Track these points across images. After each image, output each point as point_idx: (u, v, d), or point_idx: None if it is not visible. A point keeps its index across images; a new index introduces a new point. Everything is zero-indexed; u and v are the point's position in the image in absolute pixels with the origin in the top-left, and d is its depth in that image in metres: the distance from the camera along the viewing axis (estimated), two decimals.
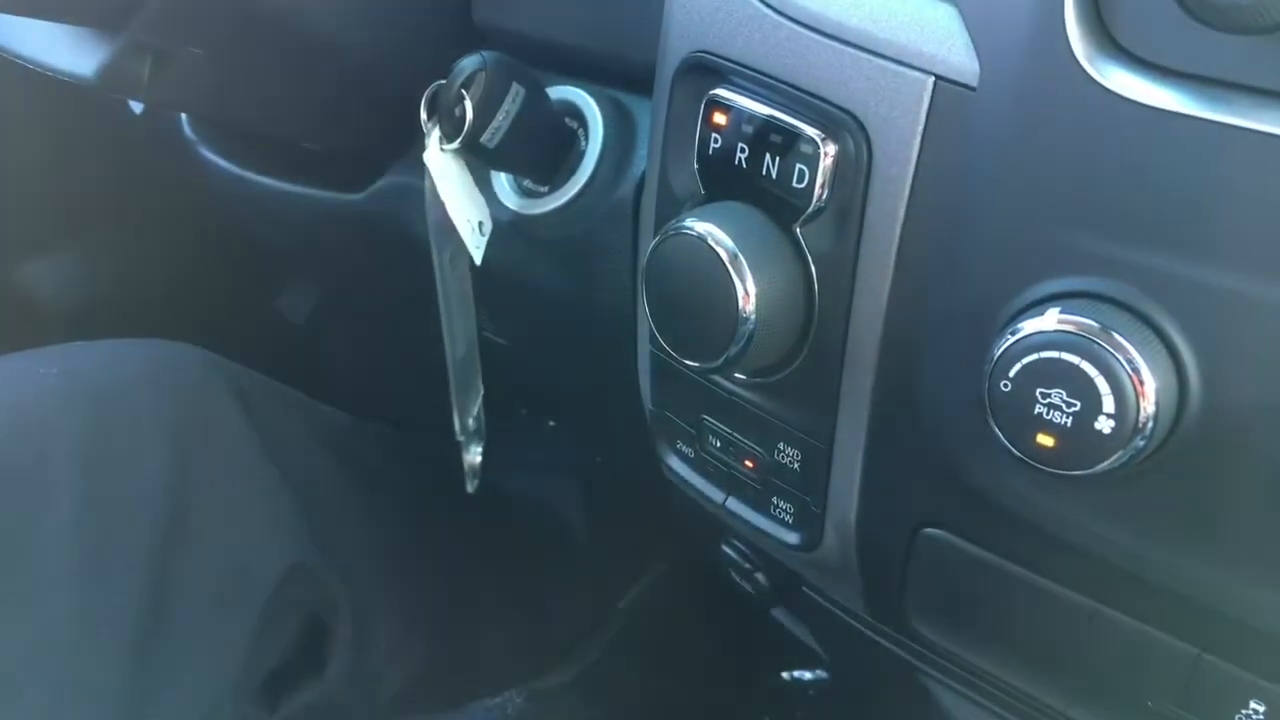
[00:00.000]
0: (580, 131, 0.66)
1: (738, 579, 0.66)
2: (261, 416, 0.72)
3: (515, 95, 0.60)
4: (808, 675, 0.96)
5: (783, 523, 0.54)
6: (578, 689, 1.02)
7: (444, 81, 0.59)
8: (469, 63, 0.59)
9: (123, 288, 0.96)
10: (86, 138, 0.90)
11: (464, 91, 0.58)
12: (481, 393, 0.73)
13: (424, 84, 0.60)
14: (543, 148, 0.65)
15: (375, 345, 1.06)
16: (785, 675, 0.99)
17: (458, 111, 0.59)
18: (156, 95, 0.67)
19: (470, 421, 0.75)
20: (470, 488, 0.77)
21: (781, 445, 0.52)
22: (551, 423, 1.09)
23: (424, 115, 0.60)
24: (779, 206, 0.48)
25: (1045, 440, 0.39)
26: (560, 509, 1.08)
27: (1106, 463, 0.38)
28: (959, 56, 0.42)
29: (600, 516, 1.07)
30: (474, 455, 0.77)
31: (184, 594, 0.64)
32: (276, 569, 0.69)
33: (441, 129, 0.60)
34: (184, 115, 0.85)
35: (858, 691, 0.76)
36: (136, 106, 0.90)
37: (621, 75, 0.64)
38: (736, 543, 0.65)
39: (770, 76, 0.48)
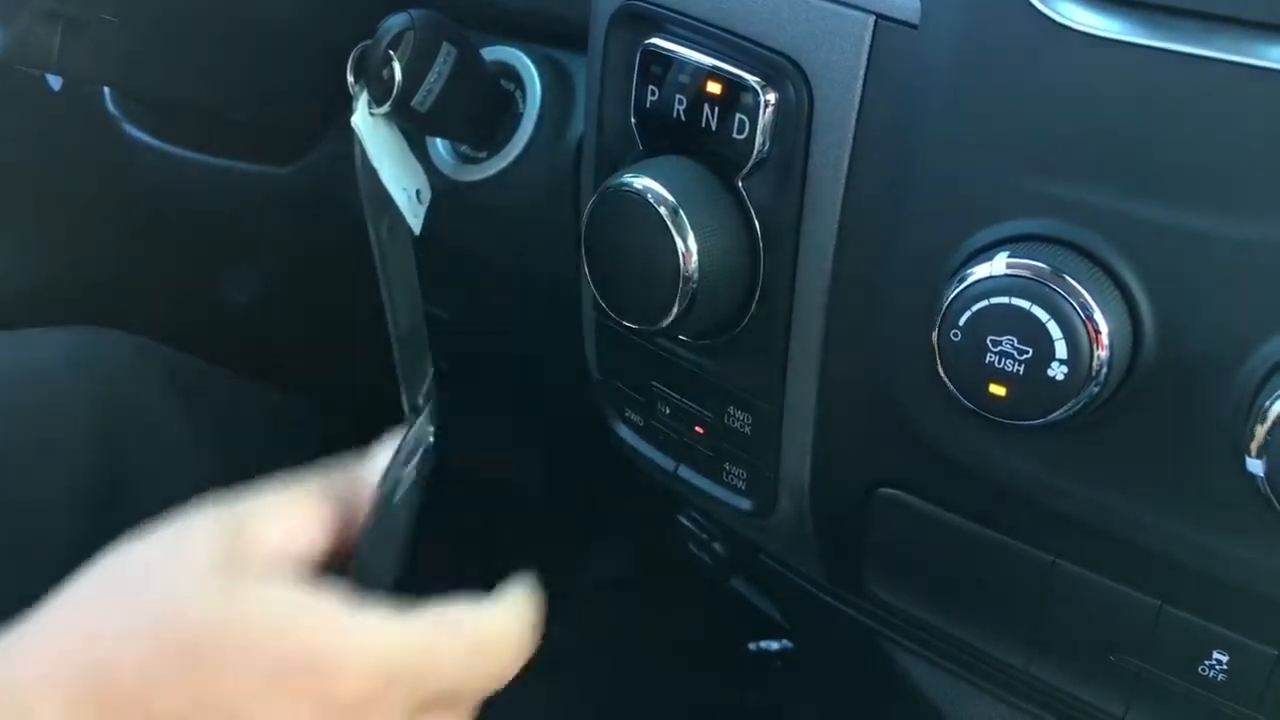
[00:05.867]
0: (517, 93, 0.64)
1: (695, 550, 0.65)
2: (198, 400, 0.70)
3: (446, 56, 0.58)
4: (774, 646, 0.95)
5: (735, 489, 0.53)
6: (542, 669, 1.01)
7: (370, 42, 0.57)
8: (395, 21, 0.56)
9: (50, 277, 0.93)
10: (1, 118, 0.87)
11: (391, 52, 0.56)
12: (431, 370, 0.71)
13: (351, 45, 0.58)
14: (478, 111, 0.63)
15: (321, 326, 1.04)
16: (752, 647, 0.98)
17: (385, 73, 0.56)
18: (71, 67, 0.64)
19: (419, 400, 0.73)
20: None
21: (731, 409, 0.51)
22: (507, 400, 1.07)
23: (351, 78, 0.58)
24: (720, 159, 0.46)
25: (997, 390, 0.37)
26: (518, 486, 1.06)
27: (1060, 411, 0.37)
28: None
29: (560, 493, 1.06)
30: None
31: None
32: None
33: (370, 92, 0.58)
34: (106, 90, 0.82)
35: (823, 660, 0.75)
36: (55, 82, 0.86)
37: (558, 33, 0.62)
38: (692, 512, 0.63)
39: (706, 23, 0.46)
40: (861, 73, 0.42)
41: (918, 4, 0.40)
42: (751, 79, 0.45)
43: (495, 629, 0.40)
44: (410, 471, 0.39)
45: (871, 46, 0.42)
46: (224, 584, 0.36)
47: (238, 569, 0.36)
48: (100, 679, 0.34)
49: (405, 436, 0.38)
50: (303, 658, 0.35)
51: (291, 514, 0.39)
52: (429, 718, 0.38)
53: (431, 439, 0.74)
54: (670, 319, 0.46)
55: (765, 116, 0.45)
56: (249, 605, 0.35)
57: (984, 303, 0.37)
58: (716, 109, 0.46)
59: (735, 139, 0.45)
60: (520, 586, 0.42)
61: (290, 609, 0.36)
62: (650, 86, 0.48)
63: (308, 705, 0.35)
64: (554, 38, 0.63)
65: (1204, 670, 0.41)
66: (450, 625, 0.38)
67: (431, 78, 0.58)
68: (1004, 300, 0.37)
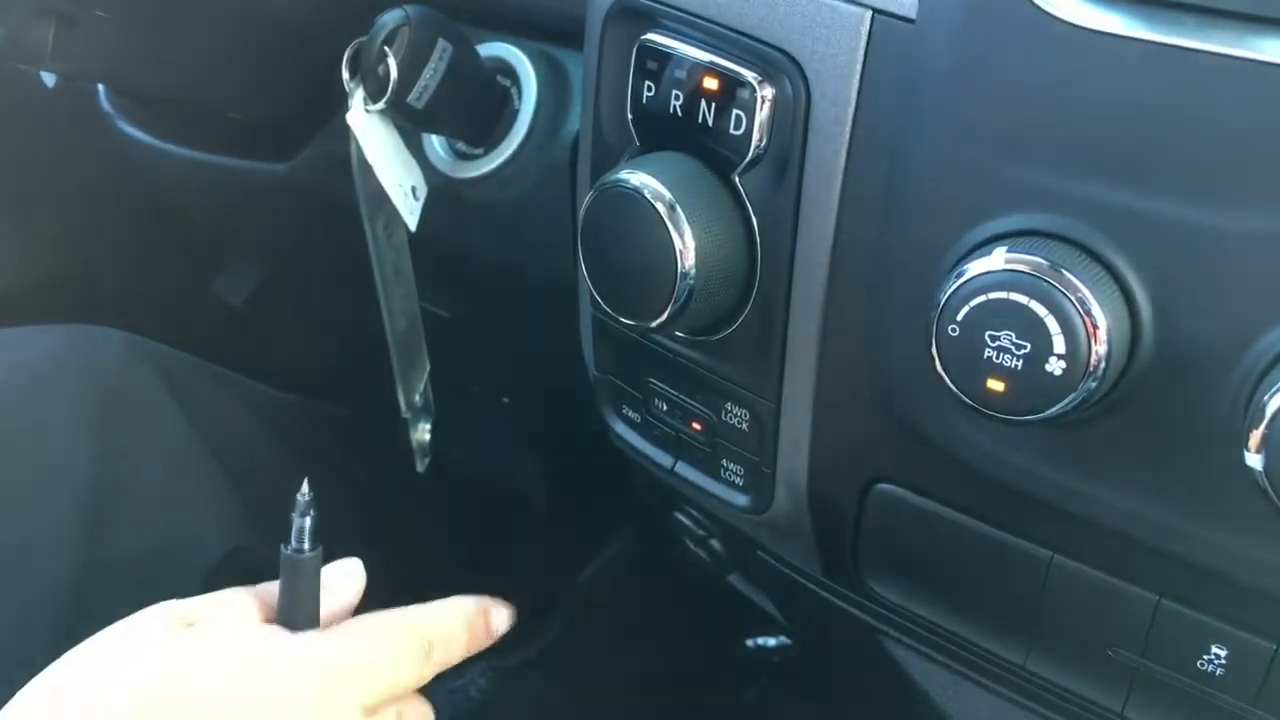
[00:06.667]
0: (513, 89, 0.64)
1: (692, 546, 0.65)
2: (190, 398, 0.70)
3: (442, 52, 0.58)
4: (771, 642, 0.95)
5: (733, 485, 0.53)
6: (542, 666, 1.01)
7: (365, 38, 0.57)
8: (391, 18, 0.56)
9: (45, 275, 0.92)
10: None
11: (386, 49, 0.56)
12: (428, 368, 0.71)
13: (346, 42, 0.57)
14: (474, 107, 0.63)
15: (317, 324, 1.03)
16: (749, 643, 0.98)
17: (381, 70, 0.56)
18: (64, 63, 0.64)
19: (416, 398, 0.73)
20: (420, 466, 0.75)
21: (729, 405, 0.51)
22: (505, 399, 1.07)
23: (346, 75, 0.58)
24: (717, 155, 0.46)
25: (995, 385, 0.37)
26: (517, 484, 1.06)
27: (1058, 406, 0.36)
28: None
29: (559, 490, 1.06)
30: (422, 433, 0.75)
31: (111, 580, 0.61)
32: (213, 553, 0.66)
33: (365, 89, 0.58)
34: (100, 87, 0.81)
35: (821, 657, 0.75)
36: (48, 79, 0.86)
37: (554, 28, 0.62)
38: (689, 509, 0.63)
39: (702, 18, 0.46)
40: (858, 68, 0.42)
41: None
42: (748, 74, 0.44)
43: (420, 625, 0.46)
44: (306, 523, 0.45)
45: (868, 41, 0.41)
46: (176, 639, 0.41)
47: (184, 629, 0.42)
48: None
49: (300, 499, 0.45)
50: (259, 674, 0.40)
51: (225, 597, 0.44)
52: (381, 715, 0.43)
53: (427, 436, 0.74)
54: (667, 315, 0.46)
55: (762, 112, 0.44)
56: (201, 647, 0.41)
57: (982, 298, 0.37)
58: (713, 104, 0.46)
59: (732, 134, 0.45)
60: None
61: (239, 644, 0.41)
62: (646, 82, 0.48)
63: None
64: (550, 34, 0.63)
65: (1202, 665, 0.41)
66: (374, 629, 0.44)
67: (427, 74, 0.57)
68: (1002, 295, 0.36)
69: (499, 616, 0.52)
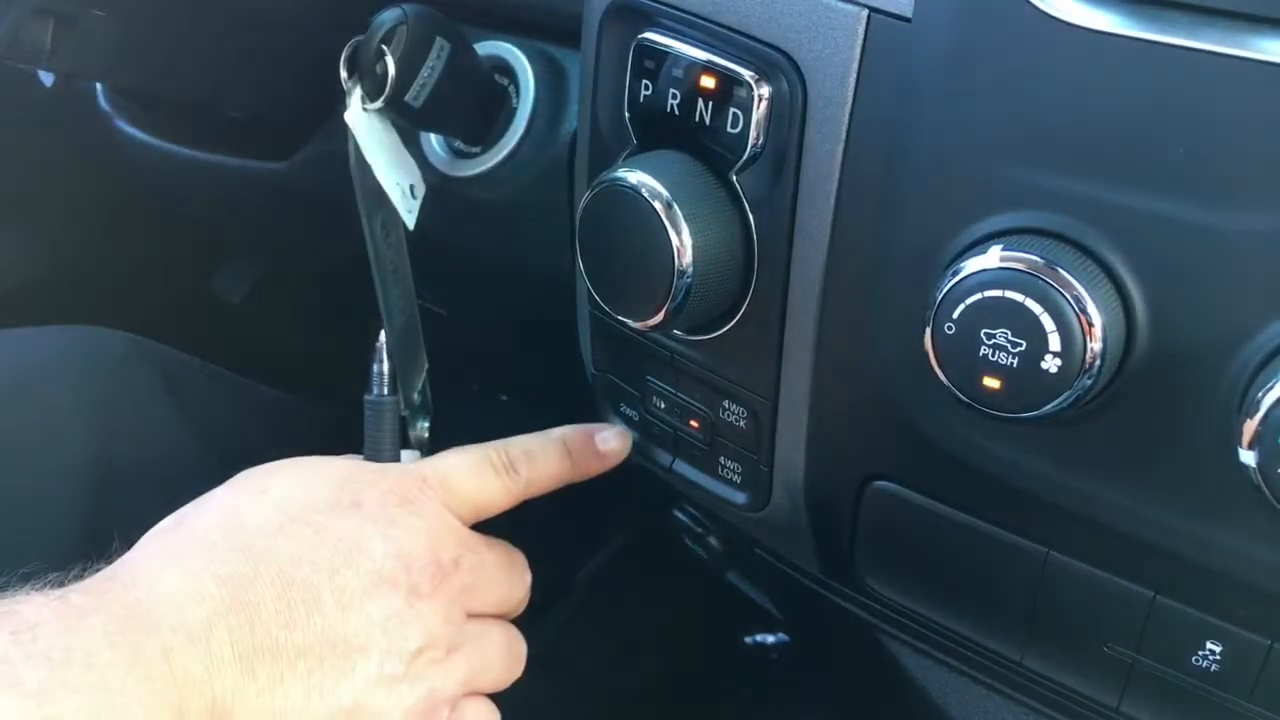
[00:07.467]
0: (511, 88, 0.64)
1: (690, 544, 0.65)
2: (190, 398, 0.70)
3: (440, 51, 0.58)
4: (770, 639, 0.95)
5: (731, 483, 0.53)
6: (539, 663, 1.01)
7: (363, 37, 0.57)
8: (388, 16, 0.56)
9: (44, 274, 0.92)
10: None
11: (384, 47, 0.56)
12: (426, 366, 0.71)
13: (344, 40, 0.57)
14: (472, 106, 0.63)
15: (315, 322, 1.04)
16: (748, 640, 0.99)
17: (379, 69, 0.56)
18: (62, 63, 0.64)
19: (415, 396, 0.73)
20: None
21: (726, 403, 0.51)
22: (504, 397, 1.07)
23: (344, 73, 0.58)
24: (714, 154, 0.46)
25: (991, 383, 0.37)
26: None
27: (1054, 403, 0.37)
28: None
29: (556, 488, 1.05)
30: (421, 430, 0.75)
31: None
32: None
33: (363, 88, 0.58)
34: (99, 86, 0.82)
35: (819, 653, 0.76)
36: (46, 78, 0.86)
37: (552, 27, 0.62)
38: (687, 507, 0.63)
39: (699, 17, 0.46)
40: (855, 66, 0.42)
41: None
42: (745, 73, 0.45)
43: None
44: (385, 369, 0.51)
45: (865, 40, 0.42)
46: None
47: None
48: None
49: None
50: (350, 481, 0.46)
51: None
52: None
53: (426, 434, 0.74)
54: (664, 313, 0.46)
55: (759, 110, 0.45)
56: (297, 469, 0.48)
57: (977, 296, 0.37)
58: (710, 103, 0.46)
59: (729, 133, 0.45)
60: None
61: (329, 465, 0.48)
62: (644, 81, 0.48)
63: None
64: (547, 32, 0.63)
65: (1197, 660, 0.41)
66: (453, 449, 0.49)
67: (425, 73, 0.57)
68: (997, 293, 0.37)
69: (608, 436, 0.53)
